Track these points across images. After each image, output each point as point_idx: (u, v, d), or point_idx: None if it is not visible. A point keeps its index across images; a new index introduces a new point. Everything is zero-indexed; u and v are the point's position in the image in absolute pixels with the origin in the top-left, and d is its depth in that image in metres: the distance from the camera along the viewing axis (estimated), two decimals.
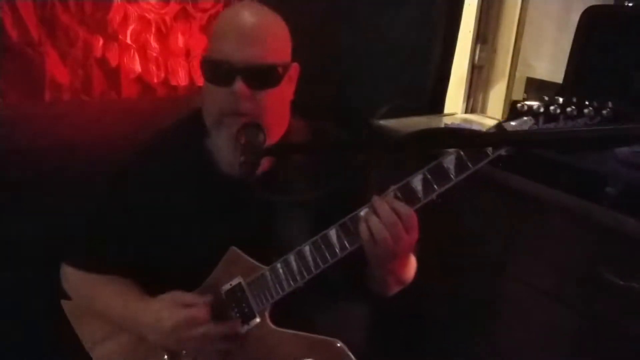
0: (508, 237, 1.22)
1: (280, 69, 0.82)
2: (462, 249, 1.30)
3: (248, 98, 0.79)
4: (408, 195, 0.75)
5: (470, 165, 0.72)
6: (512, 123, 0.70)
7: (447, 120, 1.64)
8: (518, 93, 1.75)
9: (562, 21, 1.58)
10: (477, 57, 1.73)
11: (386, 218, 0.73)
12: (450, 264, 1.31)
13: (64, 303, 0.95)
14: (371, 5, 1.52)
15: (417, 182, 0.74)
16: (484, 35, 1.72)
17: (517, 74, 1.73)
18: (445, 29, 1.64)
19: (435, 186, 0.73)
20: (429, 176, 0.74)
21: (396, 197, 0.75)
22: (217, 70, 0.80)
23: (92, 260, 0.91)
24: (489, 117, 1.74)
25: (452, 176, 0.73)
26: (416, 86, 1.66)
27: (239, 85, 0.78)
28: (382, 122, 1.55)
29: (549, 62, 1.63)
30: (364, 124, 1.54)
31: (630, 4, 1.31)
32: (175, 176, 0.88)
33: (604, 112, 0.65)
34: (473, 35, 1.71)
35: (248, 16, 0.80)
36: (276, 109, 0.84)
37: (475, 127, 1.54)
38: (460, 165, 0.72)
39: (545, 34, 1.65)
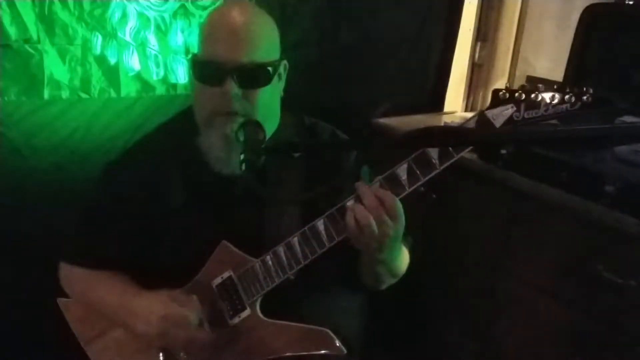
0: (507, 235, 1.22)
1: (270, 68, 0.83)
2: (461, 247, 1.30)
3: (239, 97, 0.80)
4: (393, 184, 0.76)
5: (453, 153, 0.73)
6: (494, 111, 0.71)
7: (447, 119, 1.64)
8: None
9: (562, 19, 1.57)
10: (477, 56, 1.73)
11: (369, 203, 0.74)
12: (449, 262, 1.31)
13: (60, 301, 0.96)
14: (371, 3, 1.52)
15: (402, 171, 0.75)
16: (484, 33, 1.72)
17: (517, 73, 1.73)
18: (446, 27, 1.64)
19: (419, 175, 0.75)
20: (413, 165, 0.75)
21: (381, 186, 0.76)
22: (208, 71, 0.81)
23: (87, 256, 0.92)
24: None
25: (436, 165, 0.74)
26: (416, 84, 1.66)
27: (231, 85, 0.79)
28: (382, 120, 1.55)
29: (549, 60, 1.63)
30: (364, 122, 1.54)
31: (631, 2, 1.30)
32: (167, 173, 0.89)
33: (585, 98, 0.66)
34: (473, 33, 1.70)
35: (237, 16, 0.80)
36: (267, 106, 0.85)
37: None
38: (443, 154, 0.74)
39: (545, 33, 1.65)
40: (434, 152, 0.74)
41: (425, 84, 1.68)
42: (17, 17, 1.15)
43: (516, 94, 0.69)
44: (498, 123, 0.70)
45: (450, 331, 1.35)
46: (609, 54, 1.26)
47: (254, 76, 0.81)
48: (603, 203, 1.02)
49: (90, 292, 0.92)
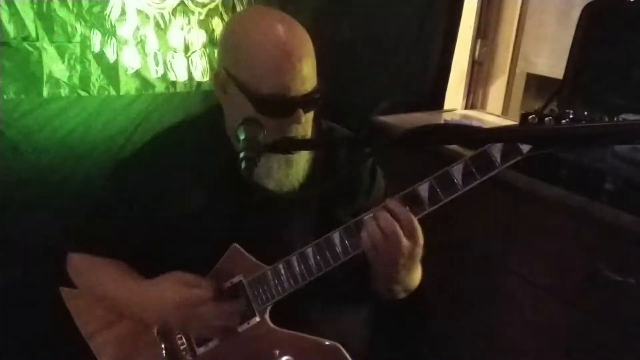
0: (507, 233, 1.22)
1: (323, 86, 0.81)
2: (460, 245, 1.30)
3: (301, 122, 0.79)
4: (413, 203, 0.74)
5: (477, 175, 0.72)
6: None
7: (446, 116, 1.64)
8: (518, 89, 1.75)
9: (562, 17, 1.57)
10: (477, 53, 1.72)
11: (385, 222, 0.73)
12: (449, 259, 1.31)
13: (63, 290, 0.94)
14: (371, 1, 1.51)
15: (423, 190, 0.74)
16: (485, 30, 1.71)
17: (517, 70, 1.72)
18: (446, 24, 1.63)
19: (441, 195, 0.73)
20: (435, 185, 0.74)
21: (401, 203, 0.75)
22: (275, 104, 0.77)
23: (95, 243, 0.90)
24: (489, 113, 1.74)
25: (459, 186, 0.73)
26: (416, 82, 1.66)
27: (300, 115, 0.78)
28: (382, 118, 1.55)
29: (549, 58, 1.63)
30: (364, 120, 1.54)
31: (631, 0, 1.30)
32: (182, 174, 0.87)
33: None
34: (473, 30, 1.70)
35: (295, 44, 0.77)
36: (313, 121, 0.84)
37: (475, 123, 1.54)
38: (467, 175, 0.72)
39: (545, 30, 1.64)
40: (457, 172, 0.72)
41: (425, 81, 1.67)
42: (15, 15, 1.15)
43: (545, 120, 0.67)
44: (526, 148, 0.69)
45: (450, 329, 1.35)
46: (610, 51, 1.25)
47: (316, 100, 0.80)
48: (603, 201, 1.02)
49: (97, 282, 0.91)
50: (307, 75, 0.78)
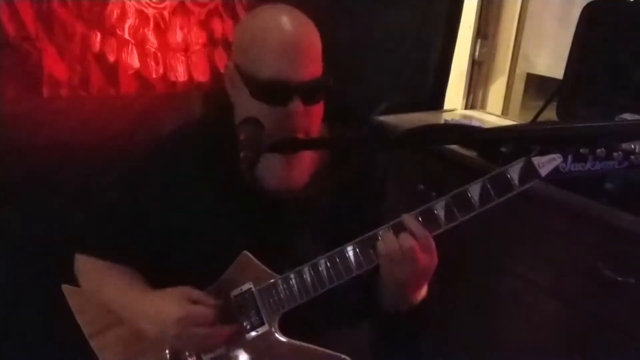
0: (507, 233, 1.22)
1: (326, 81, 0.81)
2: (460, 246, 1.30)
3: (302, 115, 0.78)
4: (429, 220, 0.75)
5: (495, 196, 0.72)
6: (542, 159, 0.70)
7: (447, 116, 1.64)
8: (518, 89, 1.75)
9: (562, 17, 1.57)
10: (477, 53, 1.72)
11: (402, 236, 0.73)
12: (449, 261, 1.31)
13: (65, 288, 0.93)
14: (371, 1, 1.51)
15: (440, 207, 0.74)
16: (485, 30, 1.71)
17: (518, 70, 1.73)
18: (446, 25, 1.64)
19: (457, 214, 0.74)
20: (452, 203, 0.74)
21: (417, 220, 0.75)
22: (272, 90, 0.77)
23: (102, 247, 0.90)
24: (489, 113, 1.74)
25: (475, 205, 0.73)
26: (416, 82, 1.66)
27: (298, 104, 0.76)
28: (382, 118, 1.55)
29: (550, 58, 1.63)
30: (364, 120, 1.54)
31: (631, 0, 1.30)
32: (193, 176, 0.86)
33: (632, 157, 0.65)
34: (473, 30, 1.70)
35: (297, 30, 0.77)
36: (320, 119, 0.83)
37: (475, 123, 1.54)
38: (485, 195, 0.72)
39: (545, 30, 1.65)
40: (474, 192, 0.73)
41: (425, 81, 1.67)
42: (15, 14, 1.15)
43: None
44: (544, 171, 0.69)
45: (451, 329, 1.35)
46: (610, 51, 1.26)
47: (318, 92, 0.79)
48: (603, 201, 1.02)
49: (100, 286, 0.90)
50: (306, 64, 0.77)
